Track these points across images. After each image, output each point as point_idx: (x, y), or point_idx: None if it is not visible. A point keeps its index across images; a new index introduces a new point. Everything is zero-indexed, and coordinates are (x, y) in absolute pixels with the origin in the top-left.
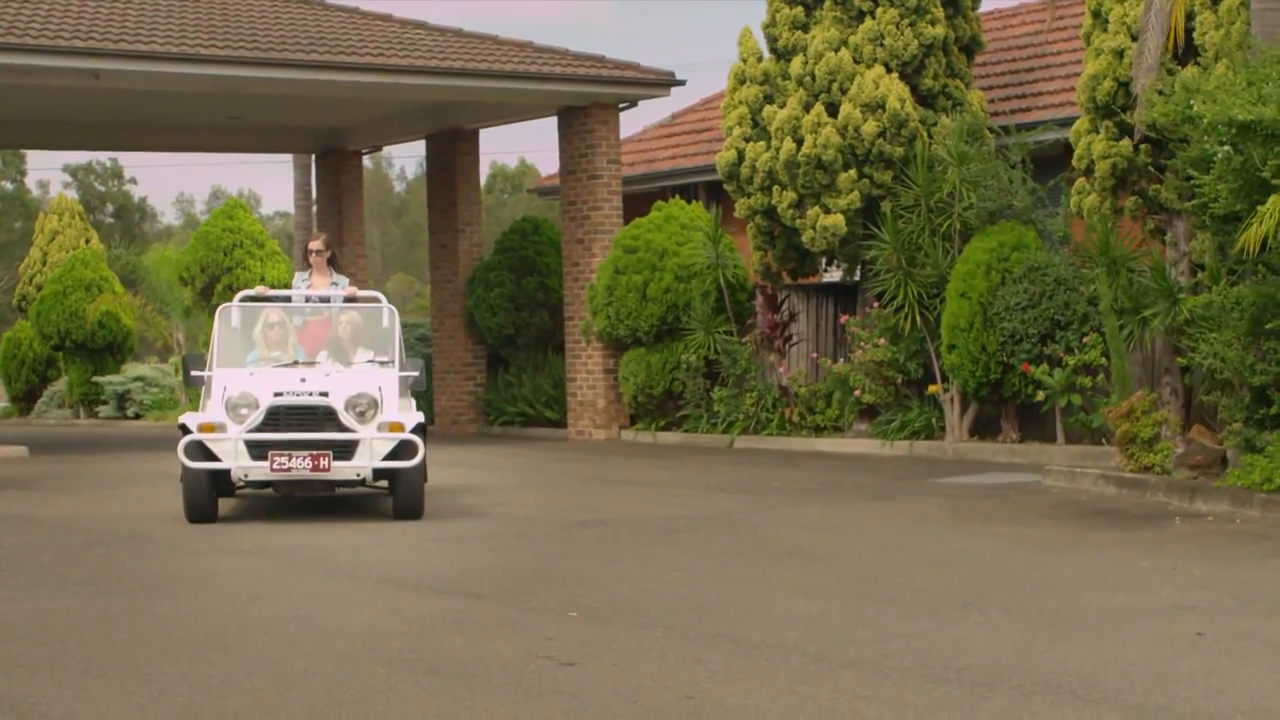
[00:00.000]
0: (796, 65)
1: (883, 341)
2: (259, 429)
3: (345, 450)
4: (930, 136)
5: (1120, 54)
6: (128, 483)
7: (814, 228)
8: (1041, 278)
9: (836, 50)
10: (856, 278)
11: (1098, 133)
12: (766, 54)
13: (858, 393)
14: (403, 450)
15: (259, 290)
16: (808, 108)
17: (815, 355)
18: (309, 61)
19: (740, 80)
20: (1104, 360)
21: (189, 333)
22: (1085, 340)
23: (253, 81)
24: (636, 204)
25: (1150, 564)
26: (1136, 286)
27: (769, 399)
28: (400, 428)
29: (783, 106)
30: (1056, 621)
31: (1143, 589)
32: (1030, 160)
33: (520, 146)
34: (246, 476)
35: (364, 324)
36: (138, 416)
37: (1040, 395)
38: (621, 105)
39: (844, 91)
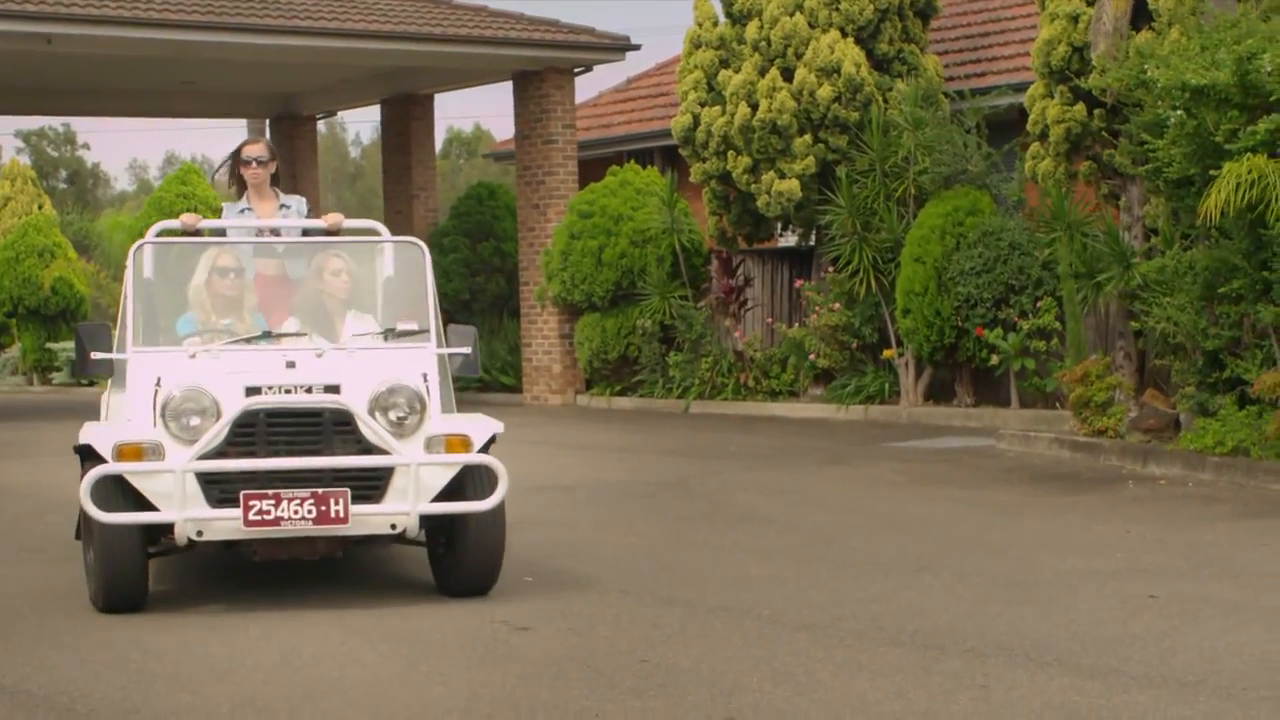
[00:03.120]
0: (752, 30)
1: (838, 306)
2: (223, 451)
3: (373, 485)
4: (885, 101)
5: (1075, 19)
6: None
7: (769, 193)
8: (996, 242)
9: (792, 15)
10: (812, 242)
11: (1052, 98)
12: (722, 18)
13: (813, 357)
14: (471, 482)
15: (186, 220)
16: (763, 72)
17: (770, 320)
18: (263, 26)
19: (696, 45)
20: (1058, 324)
21: None
22: (1039, 305)
23: (206, 46)
24: (592, 169)
25: (1103, 527)
26: (1090, 251)
27: (724, 364)
28: (465, 444)
29: (738, 71)
30: (1010, 584)
31: (1096, 552)
32: (985, 125)
33: (476, 111)
34: (201, 535)
35: (360, 272)
36: (92, 383)
37: (994, 359)
38: (577, 70)
39: (799, 56)
